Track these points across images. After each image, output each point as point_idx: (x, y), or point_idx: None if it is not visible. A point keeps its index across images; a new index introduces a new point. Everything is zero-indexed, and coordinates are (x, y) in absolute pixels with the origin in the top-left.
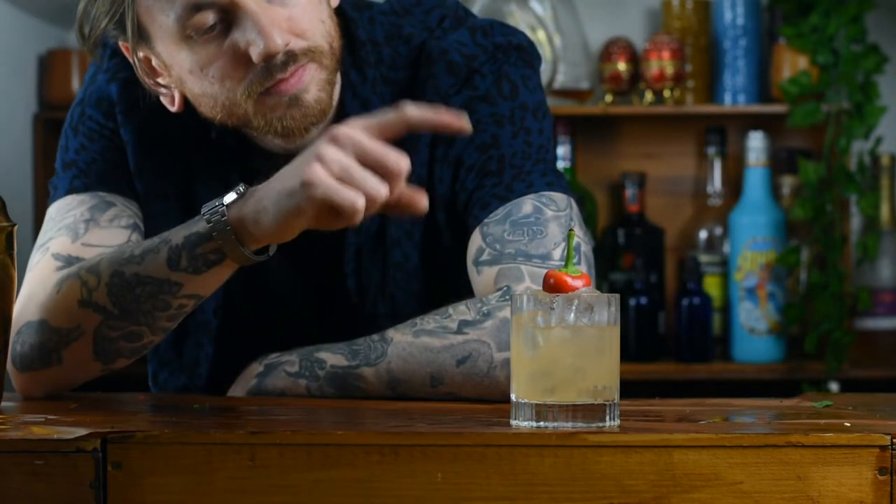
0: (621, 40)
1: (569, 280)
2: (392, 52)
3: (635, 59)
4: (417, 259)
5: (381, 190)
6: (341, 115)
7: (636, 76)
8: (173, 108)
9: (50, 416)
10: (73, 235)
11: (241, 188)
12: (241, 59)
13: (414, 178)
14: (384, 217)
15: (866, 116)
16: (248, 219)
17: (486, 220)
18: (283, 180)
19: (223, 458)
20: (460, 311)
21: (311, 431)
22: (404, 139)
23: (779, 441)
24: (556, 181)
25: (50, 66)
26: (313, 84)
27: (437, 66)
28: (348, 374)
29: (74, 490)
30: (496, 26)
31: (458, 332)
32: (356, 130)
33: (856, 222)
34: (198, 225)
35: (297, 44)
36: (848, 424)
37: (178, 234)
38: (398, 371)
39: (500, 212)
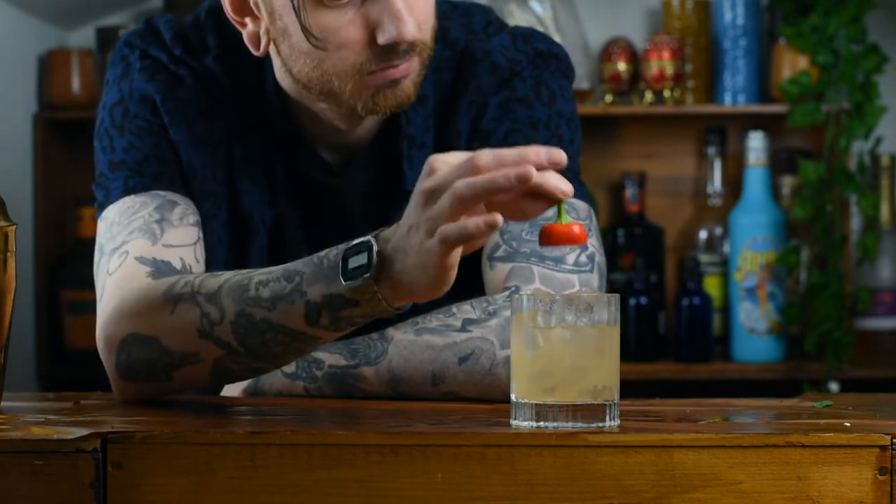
0: (621, 40)
1: (561, 228)
2: (439, 55)
3: (635, 59)
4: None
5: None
6: None
7: (636, 76)
8: (257, 52)
9: (50, 417)
10: (152, 237)
11: (370, 240)
12: (365, 35)
13: None
14: None
15: (866, 116)
16: (401, 288)
17: None
18: (414, 248)
19: (223, 458)
20: (465, 310)
21: (311, 431)
22: (446, 135)
23: (779, 441)
24: (579, 189)
25: (50, 66)
26: (412, 75)
27: (482, 65)
28: (347, 374)
29: (74, 490)
30: (535, 35)
31: (462, 329)
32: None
33: (856, 222)
34: (337, 286)
35: (417, 36)
36: (848, 424)
37: (314, 290)
38: (399, 370)
39: None
